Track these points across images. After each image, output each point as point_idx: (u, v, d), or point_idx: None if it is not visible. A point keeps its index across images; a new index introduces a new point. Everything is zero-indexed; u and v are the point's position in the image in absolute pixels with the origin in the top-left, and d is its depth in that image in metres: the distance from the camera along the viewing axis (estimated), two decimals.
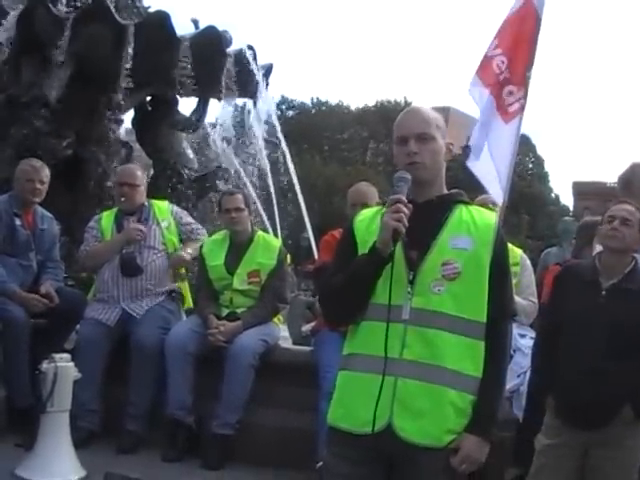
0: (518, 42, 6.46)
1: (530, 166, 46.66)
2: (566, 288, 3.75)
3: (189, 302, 5.55)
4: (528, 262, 5.75)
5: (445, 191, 2.72)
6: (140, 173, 5.63)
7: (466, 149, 6.75)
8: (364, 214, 2.76)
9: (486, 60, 6.47)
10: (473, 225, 2.62)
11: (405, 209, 2.47)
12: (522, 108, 6.40)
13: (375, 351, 2.54)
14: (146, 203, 5.61)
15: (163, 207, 5.68)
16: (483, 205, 4.78)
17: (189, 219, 5.78)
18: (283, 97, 47.94)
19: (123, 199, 5.51)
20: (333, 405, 2.68)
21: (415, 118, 2.68)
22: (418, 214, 2.54)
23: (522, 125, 6.42)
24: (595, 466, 3.55)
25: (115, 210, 5.64)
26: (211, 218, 8.04)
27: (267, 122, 9.18)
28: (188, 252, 5.55)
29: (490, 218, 2.69)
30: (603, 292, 3.59)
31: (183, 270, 5.65)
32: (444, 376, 2.51)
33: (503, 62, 6.44)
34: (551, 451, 3.63)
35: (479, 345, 2.57)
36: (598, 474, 3.55)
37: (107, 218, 5.62)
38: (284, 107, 47.21)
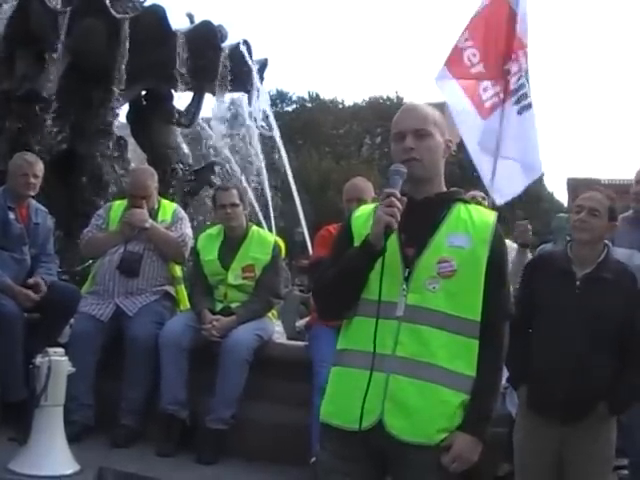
0: (492, 37, 6.43)
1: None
2: (538, 277, 3.72)
3: (185, 304, 5.53)
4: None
5: (444, 189, 2.70)
6: (151, 182, 5.58)
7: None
8: (362, 210, 2.75)
9: (456, 51, 6.42)
10: (471, 223, 2.60)
11: (398, 203, 2.46)
12: (500, 102, 6.39)
13: (368, 347, 2.53)
14: (156, 206, 5.62)
15: (168, 209, 5.69)
16: (473, 201, 4.81)
17: (185, 226, 5.66)
18: (279, 92, 47.92)
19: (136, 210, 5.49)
20: (325, 401, 2.67)
21: (412, 114, 2.66)
22: (416, 211, 2.53)
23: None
24: (571, 461, 3.55)
25: (126, 201, 5.64)
26: (204, 212, 8.06)
27: (262, 117, 9.18)
28: (158, 227, 5.48)
29: (489, 217, 2.67)
30: (577, 282, 3.57)
31: (179, 273, 5.64)
32: (437, 374, 2.50)
33: (475, 55, 6.40)
34: (529, 449, 3.64)
35: (473, 344, 2.55)
36: (574, 469, 3.55)
37: (117, 208, 5.63)
38: (278, 101, 47.17)
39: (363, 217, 2.68)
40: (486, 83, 6.43)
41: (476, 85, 6.42)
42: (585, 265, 3.61)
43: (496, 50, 6.41)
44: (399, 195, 2.48)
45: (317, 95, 49.10)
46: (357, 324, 2.60)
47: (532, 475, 3.65)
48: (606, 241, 3.72)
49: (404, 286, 2.53)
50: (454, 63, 6.38)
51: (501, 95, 6.38)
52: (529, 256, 5.19)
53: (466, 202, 2.70)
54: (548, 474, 3.61)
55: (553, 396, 3.51)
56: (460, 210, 2.64)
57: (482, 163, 6.46)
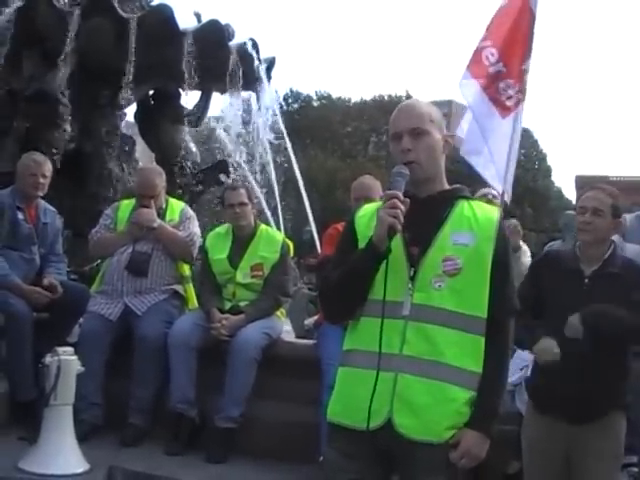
0: (513, 36, 6.38)
1: (535, 160, 46.55)
2: (545, 276, 3.74)
3: (194, 303, 5.54)
4: (526, 248, 5.78)
5: (446, 186, 2.70)
6: (159, 181, 5.57)
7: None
8: (365, 209, 2.75)
9: (476, 52, 6.38)
10: (475, 220, 2.60)
11: (401, 205, 2.45)
12: (519, 102, 6.35)
13: (373, 347, 2.53)
14: (163, 205, 5.62)
15: (176, 208, 5.69)
16: (483, 199, 4.80)
17: (193, 225, 5.66)
18: (295, 92, 47.95)
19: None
20: (332, 400, 2.68)
21: (408, 113, 2.65)
22: (419, 210, 2.53)
23: (524, 119, 6.37)
24: (579, 457, 3.55)
25: (134, 201, 5.64)
26: (212, 212, 8.06)
27: (269, 115, 9.17)
28: (166, 226, 5.48)
29: (492, 213, 2.67)
30: (586, 280, 3.60)
31: (188, 272, 5.65)
32: (445, 372, 2.51)
33: (493, 54, 6.34)
34: (537, 444, 3.66)
35: (480, 341, 2.55)
36: (583, 465, 3.55)
37: (125, 208, 5.63)
38: (290, 100, 47.19)
39: (367, 217, 2.68)
40: (506, 82, 6.38)
41: (494, 83, 6.36)
42: (593, 263, 3.63)
43: (516, 50, 6.36)
44: (402, 197, 2.48)
45: (328, 94, 49.08)
46: (363, 324, 2.61)
47: (540, 471, 3.66)
48: (613, 238, 3.73)
49: (410, 285, 2.53)
50: (473, 64, 6.34)
51: (520, 95, 6.33)
52: (525, 259, 5.16)
53: (469, 199, 2.70)
54: (557, 469, 3.62)
55: (561, 394, 3.53)
56: (463, 207, 2.64)
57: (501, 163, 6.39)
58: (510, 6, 6.39)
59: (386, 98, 46.37)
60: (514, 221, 5.68)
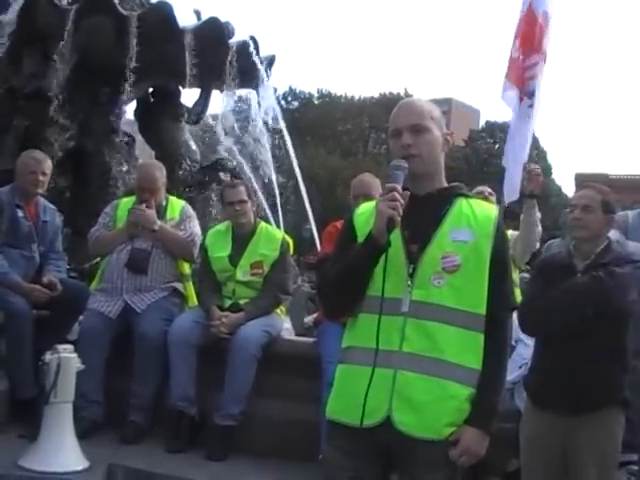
0: (532, 42, 6.38)
1: (535, 158, 46.58)
2: (543, 276, 3.81)
3: (194, 300, 5.54)
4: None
5: (445, 184, 2.71)
6: (159, 175, 5.55)
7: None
8: (364, 208, 2.75)
9: (511, 61, 6.36)
10: (473, 218, 2.61)
11: (400, 198, 2.46)
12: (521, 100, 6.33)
13: (371, 344, 2.54)
14: (163, 202, 5.61)
15: (176, 206, 5.68)
16: (480, 197, 4.81)
17: (194, 225, 5.64)
18: (290, 88, 48.04)
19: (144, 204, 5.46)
20: (331, 398, 2.69)
21: (408, 110, 2.67)
22: (419, 207, 2.55)
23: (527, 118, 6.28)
24: (575, 453, 3.58)
25: (134, 199, 5.62)
26: (212, 208, 8.07)
27: (269, 113, 9.18)
28: (166, 227, 5.46)
29: (490, 211, 2.68)
30: (579, 274, 3.65)
31: (187, 270, 5.64)
32: (444, 369, 2.51)
33: (522, 59, 6.34)
34: (534, 441, 3.70)
35: (479, 337, 2.56)
36: (578, 461, 3.58)
37: (124, 206, 5.61)
38: (289, 98, 47.27)
39: (365, 214, 2.69)
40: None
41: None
42: (586, 258, 3.70)
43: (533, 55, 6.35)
44: (400, 190, 2.48)
45: (328, 92, 49.14)
46: (361, 321, 2.62)
47: (540, 467, 3.68)
48: (613, 236, 3.77)
49: (409, 282, 2.54)
50: (510, 71, 6.31)
51: (522, 94, 6.30)
52: (538, 214, 5.18)
53: (467, 197, 2.71)
54: (556, 466, 3.64)
55: (556, 388, 3.58)
56: (462, 205, 2.65)
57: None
58: (525, 13, 6.36)
59: (387, 95, 46.42)
60: (536, 166, 5.56)
